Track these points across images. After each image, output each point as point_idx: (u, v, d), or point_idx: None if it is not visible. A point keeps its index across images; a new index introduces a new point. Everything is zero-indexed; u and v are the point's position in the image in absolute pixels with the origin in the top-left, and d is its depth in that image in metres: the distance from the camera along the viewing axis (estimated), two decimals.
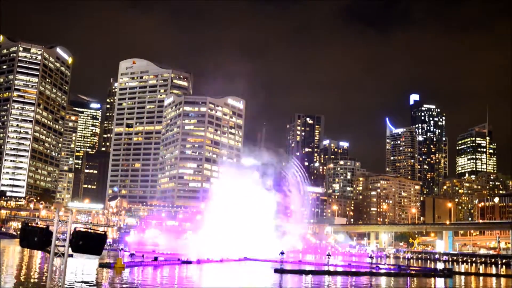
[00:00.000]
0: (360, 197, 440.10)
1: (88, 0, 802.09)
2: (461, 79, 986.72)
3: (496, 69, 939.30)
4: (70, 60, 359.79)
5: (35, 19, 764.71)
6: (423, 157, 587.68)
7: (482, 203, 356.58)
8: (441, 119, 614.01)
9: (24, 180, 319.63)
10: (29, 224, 17.16)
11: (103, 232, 17.16)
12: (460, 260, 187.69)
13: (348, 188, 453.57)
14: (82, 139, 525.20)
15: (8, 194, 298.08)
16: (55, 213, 17.76)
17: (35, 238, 16.43)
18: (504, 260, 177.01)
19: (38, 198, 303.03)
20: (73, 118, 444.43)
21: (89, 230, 16.81)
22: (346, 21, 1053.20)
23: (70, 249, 16.66)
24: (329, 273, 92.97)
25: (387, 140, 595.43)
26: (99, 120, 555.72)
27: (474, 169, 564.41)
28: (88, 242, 16.40)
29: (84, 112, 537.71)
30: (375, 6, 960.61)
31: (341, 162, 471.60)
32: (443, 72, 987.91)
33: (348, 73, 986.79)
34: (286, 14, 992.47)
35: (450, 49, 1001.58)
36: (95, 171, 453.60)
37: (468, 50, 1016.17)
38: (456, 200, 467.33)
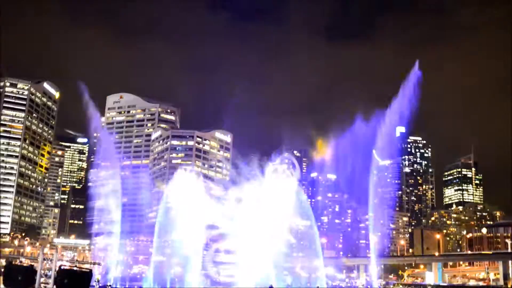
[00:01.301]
0: (349, 229, 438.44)
1: (77, 33, 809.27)
2: (445, 110, 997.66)
3: (479, 98, 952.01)
4: (57, 95, 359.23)
5: (22, 54, 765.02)
6: (410, 188, 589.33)
7: (470, 234, 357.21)
8: (427, 151, 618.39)
9: (9, 216, 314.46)
10: (13, 263, 17.04)
11: (88, 270, 17.06)
12: None
13: (336, 221, 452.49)
14: (68, 174, 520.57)
15: None
16: (39, 251, 17.72)
17: (19, 277, 16.34)
18: None
19: (23, 234, 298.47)
20: (59, 152, 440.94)
21: (74, 268, 16.71)
22: (328, 39, 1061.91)
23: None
24: None
25: (374, 172, 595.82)
26: (86, 154, 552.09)
27: (462, 200, 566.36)
28: (73, 280, 16.35)
29: (71, 147, 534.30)
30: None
31: (329, 195, 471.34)
32: (429, 103, 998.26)
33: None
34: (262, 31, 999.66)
35: (433, 82, 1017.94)
36: (82, 206, 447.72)
37: (449, 78, 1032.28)
38: (444, 231, 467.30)
